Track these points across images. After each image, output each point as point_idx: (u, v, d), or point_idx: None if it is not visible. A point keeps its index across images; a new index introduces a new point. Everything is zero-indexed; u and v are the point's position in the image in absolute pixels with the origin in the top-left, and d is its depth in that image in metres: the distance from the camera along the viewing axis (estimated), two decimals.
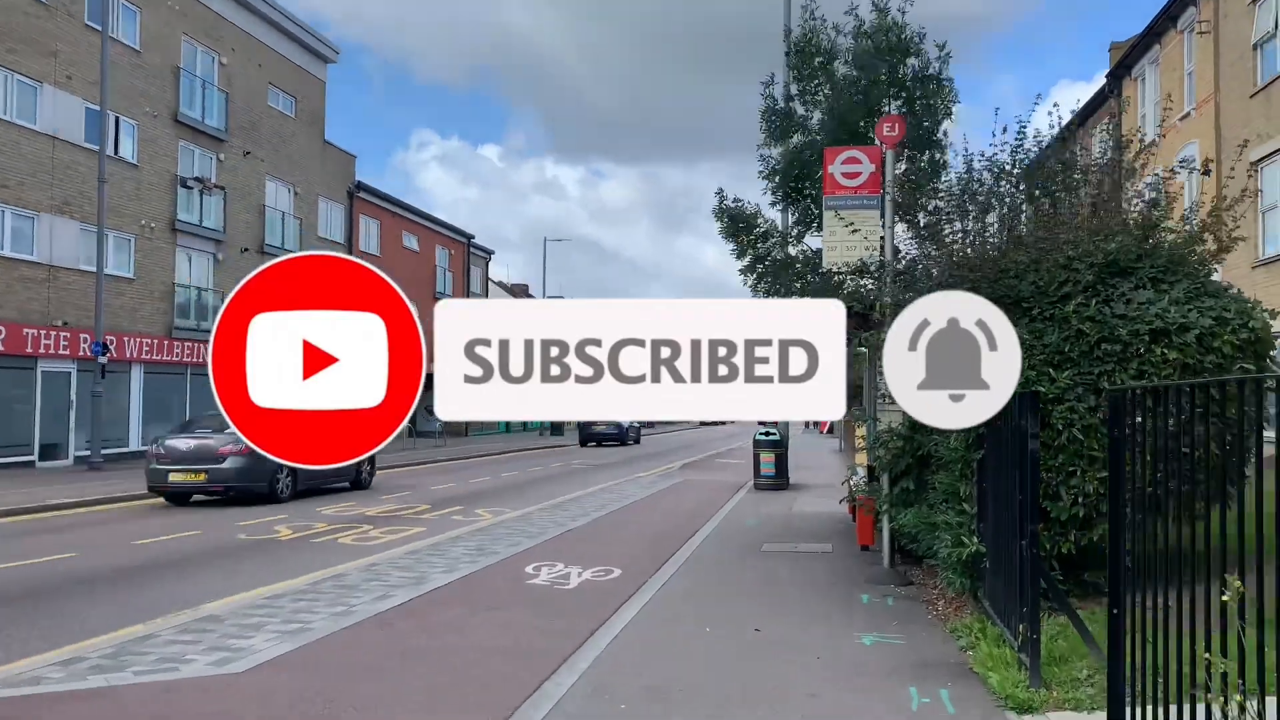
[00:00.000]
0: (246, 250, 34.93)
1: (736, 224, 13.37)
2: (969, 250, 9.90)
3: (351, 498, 18.72)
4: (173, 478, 16.87)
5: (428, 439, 42.53)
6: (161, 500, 17.50)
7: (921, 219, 10.51)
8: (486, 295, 58.27)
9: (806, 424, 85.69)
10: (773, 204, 13.72)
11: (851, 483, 12.02)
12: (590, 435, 44.35)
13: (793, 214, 13.56)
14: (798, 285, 12.07)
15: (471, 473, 25.93)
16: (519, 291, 72.93)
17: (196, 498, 17.53)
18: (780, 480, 21.31)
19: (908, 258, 10.35)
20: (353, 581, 9.78)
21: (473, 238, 55.30)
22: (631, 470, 27.89)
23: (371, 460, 20.79)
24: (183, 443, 17.17)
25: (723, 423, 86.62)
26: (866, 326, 10.32)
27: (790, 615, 8.47)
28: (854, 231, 9.98)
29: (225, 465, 16.70)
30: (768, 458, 21.33)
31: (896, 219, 10.51)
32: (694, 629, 7.90)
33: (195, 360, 31.99)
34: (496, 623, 8.15)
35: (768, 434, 21.72)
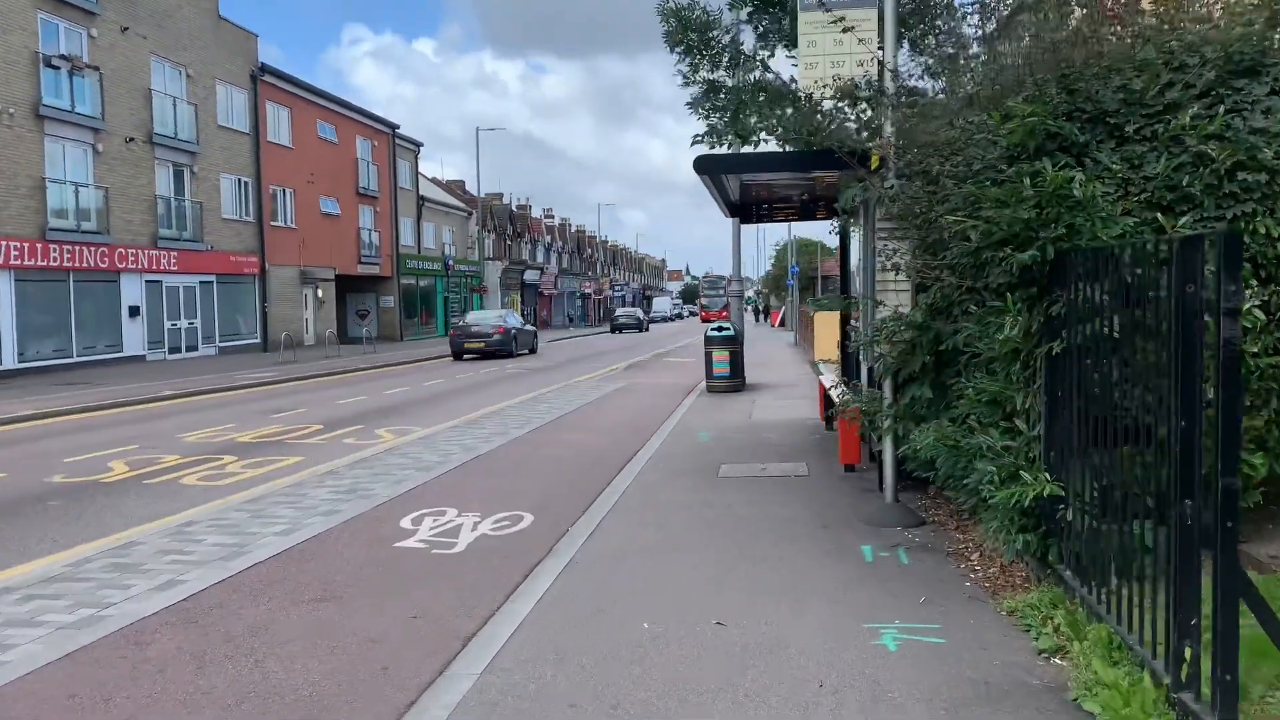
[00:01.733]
0: (133, 140, 30.94)
1: (686, 30, 10.22)
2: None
3: (234, 416, 15.77)
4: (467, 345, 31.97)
5: (355, 346, 39.34)
6: None
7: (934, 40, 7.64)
8: (417, 191, 54.36)
9: (757, 316, 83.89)
10: (731, 6, 10.50)
11: (835, 392, 9.37)
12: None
13: (757, 26, 10.43)
14: (761, 123, 9.12)
15: (392, 382, 23.01)
16: (455, 188, 68.82)
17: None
18: (735, 380, 18.71)
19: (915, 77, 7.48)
20: (142, 555, 6.94)
21: (397, 127, 51.08)
22: (569, 374, 25.14)
23: None
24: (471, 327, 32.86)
25: (672, 318, 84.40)
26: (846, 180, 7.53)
27: (765, 588, 5.83)
28: (844, 31, 7.06)
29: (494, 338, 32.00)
30: (721, 356, 18.67)
31: (902, 35, 7.60)
32: (626, 625, 5.22)
33: (79, 265, 28.38)
34: (321, 628, 5.38)
35: (721, 329, 19.02)
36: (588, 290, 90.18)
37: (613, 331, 57.94)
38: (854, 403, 8.08)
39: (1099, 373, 4.51)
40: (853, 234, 9.15)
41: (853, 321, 8.29)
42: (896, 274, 7.03)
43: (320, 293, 42.35)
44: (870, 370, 7.81)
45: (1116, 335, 4.29)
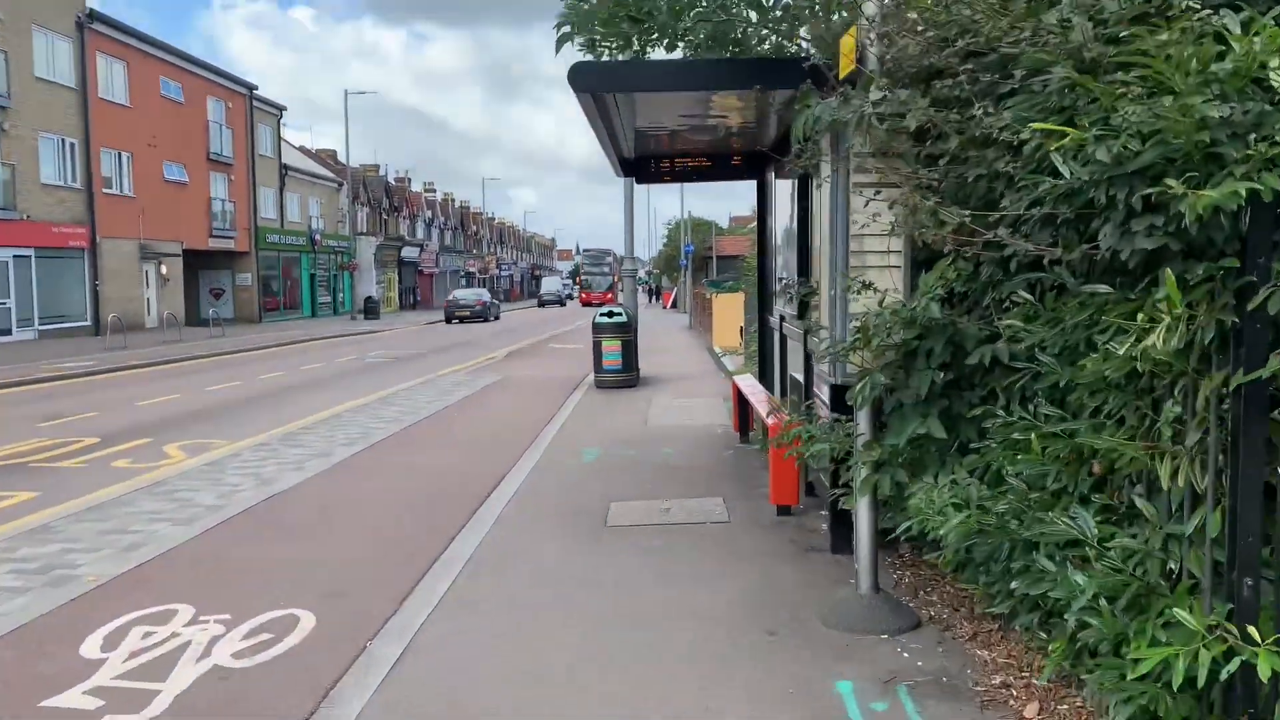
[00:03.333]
0: None
1: None
2: None
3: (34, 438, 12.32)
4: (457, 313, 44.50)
5: (206, 329, 35.21)
6: None
7: None
8: (280, 158, 49.89)
9: (650, 297, 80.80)
10: None
11: (760, 405, 6.74)
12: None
13: None
14: (682, 36, 6.31)
15: (222, 374, 19.55)
16: (325, 157, 64.13)
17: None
18: (629, 374, 16.01)
19: None
20: None
21: (255, 88, 46.54)
22: (440, 363, 22.06)
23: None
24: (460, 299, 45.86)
25: (562, 302, 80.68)
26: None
27: None
28: None
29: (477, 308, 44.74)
30: (612, 346, 15.92)
31: None
32: None
33: None
34: None
35: (611, 314, 16.26)
36: (472, 269, 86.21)
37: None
38: (804, 432, 5.45)
39: None
40: (814, 185, 6.51)
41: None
42: (889, 238, 4.41)
43: (165, 269, 37.95)
44: (837, 390, 5.16)
45: None
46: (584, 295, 77.06)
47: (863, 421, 4.69)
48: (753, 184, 10.29)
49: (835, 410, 5.35)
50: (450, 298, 47.97)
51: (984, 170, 3.68)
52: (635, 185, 13.32)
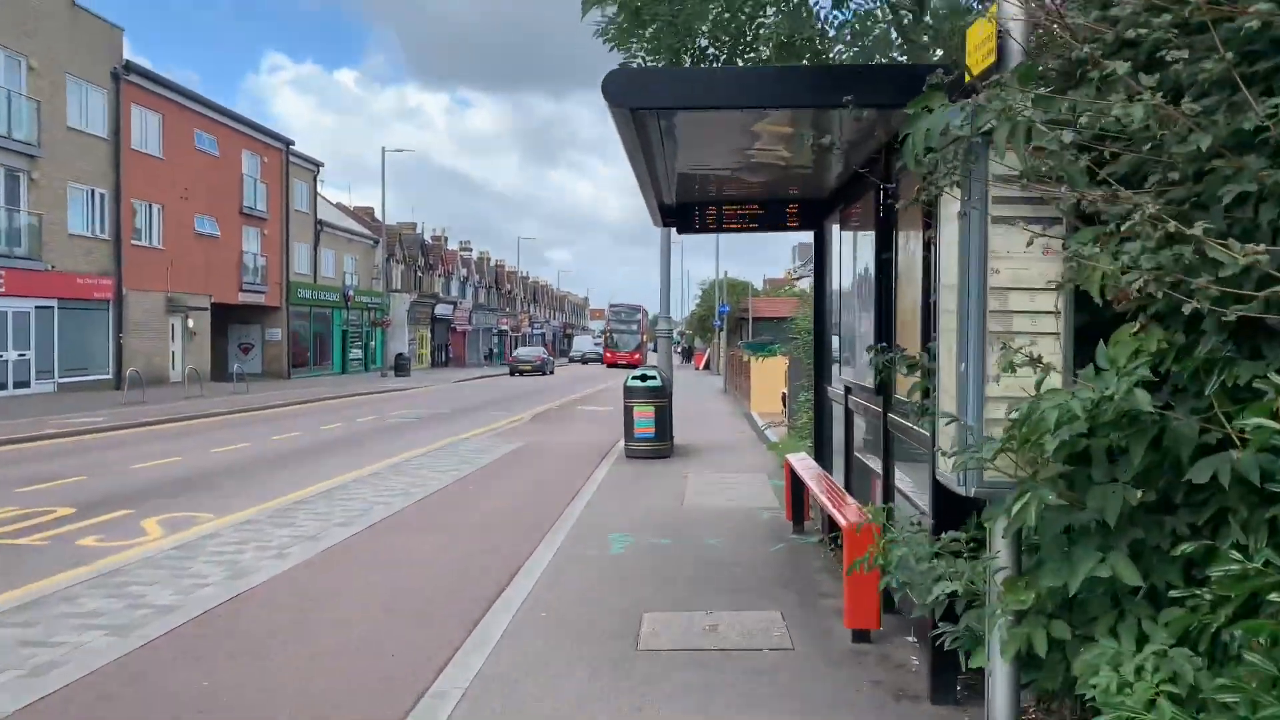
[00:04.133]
0: None
1: None
2: None
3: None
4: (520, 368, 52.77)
5: (228, 385, 34.30)
6: None
7: None
8: (315, 214, 49.52)
9: (682, 358, 79.19)
10: None
11: (822, 494, 5.41)
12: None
13: None
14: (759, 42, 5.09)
15: (234, 434, 18.43)
16: (363, 214, 63.92)
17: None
18: (662, 444, 14.68)
19: None
20: None
21: (292, 143, 46.32)
22: (464, 424, 20.84)
23: None
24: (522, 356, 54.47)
25: (593, 359, 79.12)
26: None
27: None
28: None
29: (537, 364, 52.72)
30: (645, 412, 14.63)
31: None
32: None
33: None
34: None
35: (645, 378, 14.99)
36: (505, 326, 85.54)
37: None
38: (895, 547, 4.10)
39: None
40: (897, 232, 5.19)
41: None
42: (1036, 294, 3.11)
43: (191, 323, 37.25)
44: (941, 498, 3.80)
45: None
46: (609, 355, 70.43)
47: (1005, 551, 3.33)
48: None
49: (941, 520, 4.00)
50: (514, 354, 59.14)
51: (1248, 185, 2.37)
52: (676, 235, 12.08)
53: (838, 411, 8.14)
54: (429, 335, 65.11)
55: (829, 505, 6.60)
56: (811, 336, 9.89)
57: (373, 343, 54.91)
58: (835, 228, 8.21)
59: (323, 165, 50.99)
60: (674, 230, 10.74)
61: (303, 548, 8.28)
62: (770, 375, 23.24)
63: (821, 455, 8.97)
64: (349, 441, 17.52)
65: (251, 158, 42.76)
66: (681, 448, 15.55)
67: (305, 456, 15.24)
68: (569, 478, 12.58)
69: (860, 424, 7.16)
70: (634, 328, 72.00)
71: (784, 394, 19.41)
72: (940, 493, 4.05)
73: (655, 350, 16.97)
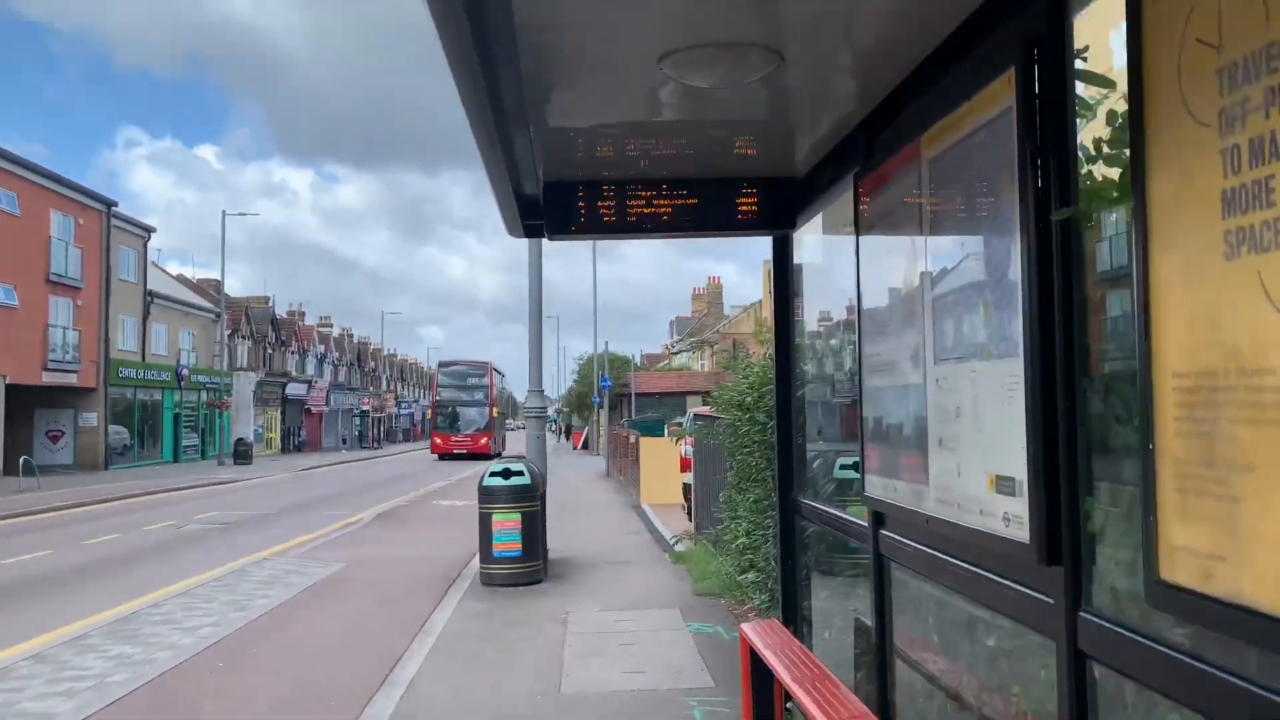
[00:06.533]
0: None
1: None
2: None
3: None
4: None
5: (37, 478, 28.50)
6: None
7: None
8: (144, 284, 43.94)
9: (558, 437, 74.57)
10: None
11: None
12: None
13: None
14: None
15: None
16: (207, 286, 58.06)
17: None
18: (531, 564, 10.73)
19: None
20: None
21: (115, 204, 40.94)
22: (283, 532, 16.36)
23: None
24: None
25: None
26: None
27: None
28: None
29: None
30: (507, 522, 10.67)
31: None
32: None
33: None
34: None
35: (508, 473, 11.04)
36: (367, 407, 79.73)
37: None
38: None
39: None
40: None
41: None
42: None
43: None
44: None
45: None
46: (439, 440, 48.83)
47: None
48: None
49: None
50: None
51: None
52: (548, 245, 8.25)
53: (847, 557, 4.49)
54: (279, 417, 59.31)
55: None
56: (762, 416, 6.23)
57: (213, 427, 49.04)
58: (821, 220, 4.67)
59: (154, 230, 45.58)
60: (543, 242, 7.05)
61: None
62: (663, 457, 19.62)
63: (791, 614, 5.30)
64: (107, 565, 12.91)
65: (63, 219, 37.31)
66: (559, 563, 11.66)
67: (20, 595, 10.67)
68: (389, 632, 8.51)
69: (924, 599, 3.52)
70: (479, 396, 50.15)
71: (686, 484, 15.77)
72: None
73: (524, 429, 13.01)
